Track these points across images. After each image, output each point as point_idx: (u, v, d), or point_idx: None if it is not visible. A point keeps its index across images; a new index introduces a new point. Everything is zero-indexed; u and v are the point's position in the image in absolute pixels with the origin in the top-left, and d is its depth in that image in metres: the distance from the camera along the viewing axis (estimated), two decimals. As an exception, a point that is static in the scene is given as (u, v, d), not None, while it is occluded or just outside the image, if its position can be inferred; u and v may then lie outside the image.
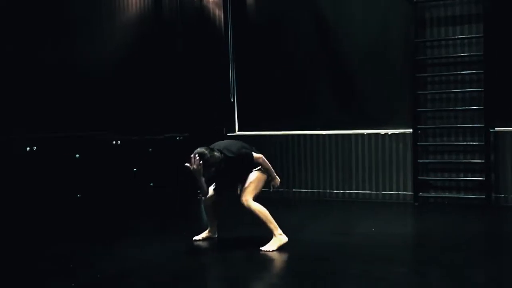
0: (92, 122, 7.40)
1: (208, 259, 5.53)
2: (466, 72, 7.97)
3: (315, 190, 8.93)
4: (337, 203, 8.46)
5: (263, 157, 5.72)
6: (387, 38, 8.50)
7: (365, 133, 8.57)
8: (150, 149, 8.47)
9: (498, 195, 7.79)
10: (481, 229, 6.57)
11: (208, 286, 4.68)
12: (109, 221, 7.16)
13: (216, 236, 6.10)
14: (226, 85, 9.66)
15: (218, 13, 9.78)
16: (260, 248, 5.46)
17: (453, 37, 8.08)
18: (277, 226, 5.56)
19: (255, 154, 5.65)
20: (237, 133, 9.62)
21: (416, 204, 8.09)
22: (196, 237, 6.04)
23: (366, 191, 8.60)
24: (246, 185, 5.60)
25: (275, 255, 5.32)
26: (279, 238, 5.51)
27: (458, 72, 8.04)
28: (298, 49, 9.08)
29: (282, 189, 9.12)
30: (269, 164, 5.77)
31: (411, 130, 8.23)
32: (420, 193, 8.17)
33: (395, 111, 8.45)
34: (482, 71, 7.81)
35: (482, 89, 7.81)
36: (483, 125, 7.79)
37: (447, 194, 8.11)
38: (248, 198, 5.53)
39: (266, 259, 5.24)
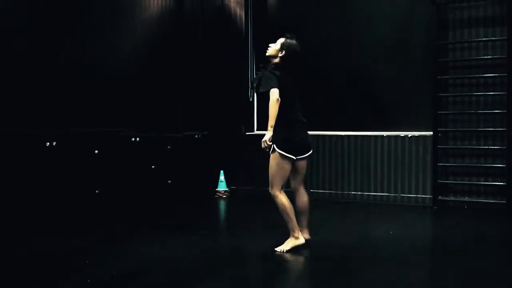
0: (111, 118, 7.44)
1: (224, 259, 5.51)
2: (489, 75, 7.87)
3: (333, 191, 8.88)
4: (355, 205, 8.41)
5: (274, 101, 5.24)
6: (410, 40, 8.43)
7: (385, 135, 8.51)
8: (168, 147, 8.50)
9: (519, 200, 7.69)
10: (500, 235, 6.48)
11: (223, 286, 4.67)
12: (127, 218, 7.19)
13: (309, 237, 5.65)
14: (245, 84, 9.65)
15: (240, 12, 9.77)
16: (275, 248, 5.43)
17: (476, 40, 7.98)
18: (296, 226, 5.43)
19: (274, 91, 5.25)
20: (256, 132, 9.61)
21: (435, 207, 8.01)
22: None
23: (384, 193, 8.53)
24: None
25: (291, 256, 5.30)
26: (294, 240, 5.41)
27: (480, 75, 7.94)
28: (319, 50, 9.04)
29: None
30: (273, 111, 5.27)
31: (432, 133, 8.14)
32: (440, 197, 8.09)
33: (416, 113, 8.37)
34: (505, 74, 7.71)
35: (505, 93, 7.70)
36: (505, 129, 7.69)
37: (466, 199, 8.02)
38: (273, 192, 5.43)
39: (281, 260, 5.22)
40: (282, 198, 5.41)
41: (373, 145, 8.60)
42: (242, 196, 9.29)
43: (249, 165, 9.46)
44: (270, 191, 5.44)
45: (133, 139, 7.77)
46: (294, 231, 5.40)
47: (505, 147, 7.69)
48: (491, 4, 7.91)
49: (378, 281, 4.57)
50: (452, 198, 8.10)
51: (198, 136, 9.20)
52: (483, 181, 7.95)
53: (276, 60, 5.54)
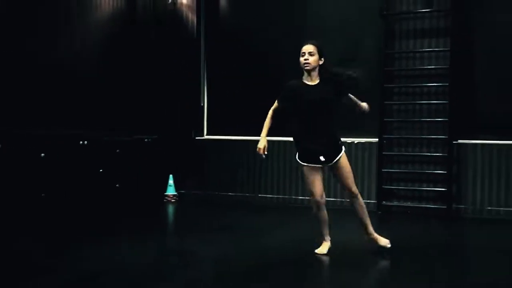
0: (59, 121, 7.35)
1: (173, 262, 5.52)
2: (432, 85, 8.14)
3: (281, 196, 9.00)
4: (302, 209, 8.53)
5: None
6: (359, 49, 8.61)
7: (332, 141, 8.65)
8: (117, 150, 8.44)
9: (458, 205, 7.97)
10: (440, 239, 6.72)
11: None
12: (73, 222, 7.11)
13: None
14: (196, 89, 9.67)
15: (191, 17, 9.78)
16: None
17: (421, 50, 8.25)
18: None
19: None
20: (206, 137, 9.65)
21: (380, 212, 8.22)
22: (319, 251, 5.52)
23: (331, 198, 8.66)
24: (348, 173, 5.44)
25: (241, 260, 5.35)
26: (380, 237, 5.55)
27: (424, 84, 8.21)
28: (270, 55, 9.15)
29: (247, 194, 9.20)
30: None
31: (377, 139, 8.36)
32: (384, 202, 8.30)
33: (362, 120, 8.54)
34: (447, 84, 7.99)
35: (447, 102, 7.99)
36: (446, 136, 7.97)
37: (409, 204, 8.26)
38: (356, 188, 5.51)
39: (231, 263, 5.27)
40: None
41: (321, 151, 8.73)
42: (191, 200, 9.31)
43: (198, 169, 9.50)
44: (354, 189, 5.54)
45: (81, 142, 7.69)
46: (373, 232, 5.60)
47: (446, 154, 7.97)
48: (435, 17, 8.19)
49: (323, 284, 4.68)
50: (395, 203, 8.33)
51: (147, 140, 9.17)
52: (425, 187, 8.21)
53: None
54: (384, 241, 5.51)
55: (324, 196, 5.51)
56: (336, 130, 5.52)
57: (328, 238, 5.63)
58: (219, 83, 9.64)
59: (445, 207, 7.93)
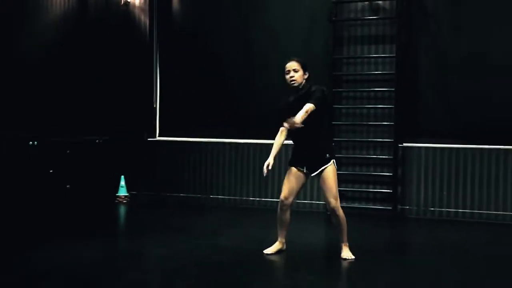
0: (8, 120, 7.26)
1: (123, 263, 5.56)
2: (379, 90, 8.40)
3: (232, 197, 9.12)
4: (253, 211, 8.68)
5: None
6: (308, 54, 8.76)
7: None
8: (68, 151, 8.39)
9: (403, 206, 8.27)
10: (385, 239, 6.98)
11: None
12: (23, 223, 7.04)
13: (285, 247, 5.83)
14: (149, 90, 9.69)
15: (144, 18, 9.77)
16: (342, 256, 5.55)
17: (368, 56, 8.51)
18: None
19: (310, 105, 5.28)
20: (158, 138, 9.68)
21: (328, 213, 8.37)
22: (267, 251, 5.72)
23: (309, 200, 8.83)
24: (329, 185, 5.44)
25: (188, 261, 5.43)
26: (347, 249, 5.58)
27: (371, 89, 8.46)
28: (223, 58, 9.26)
29: (199, 195, 9.28)
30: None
31: (326, 142, 8.55)
32: (332, 203, 8.50)
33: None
34: (393, 89, 8.26)
35: (393, 106, 8.26)
36: (392, 140, 8.25)
37: (357, 205, 8.50)
38: (338, 203, 5.50)
39: (181, 264, 5.34)
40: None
41: (272, 153, 8.87)
42: (143, 201, 9.32)
43: (150, 170, 9.52)
44: (333, 201, 5.51)
45: (31, 142, 7.62)
46: (346, 242, 5.64)
47: (392, 157, 8.24)
48: (382, 24, 8.46)
49: (269, 285, 4.82)
50: (344, 204, 8.49)
51: (99, 141, 9.13)
52: (372, 188, 8.47)
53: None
54: (345, 254, 5.58)
55: (290, 199, 5.59)
56: (324, 142, 5.59)
57: (282, 240, 5.76)
58: (171, 85, 9.68)
59: (391, 208, 8.21)
